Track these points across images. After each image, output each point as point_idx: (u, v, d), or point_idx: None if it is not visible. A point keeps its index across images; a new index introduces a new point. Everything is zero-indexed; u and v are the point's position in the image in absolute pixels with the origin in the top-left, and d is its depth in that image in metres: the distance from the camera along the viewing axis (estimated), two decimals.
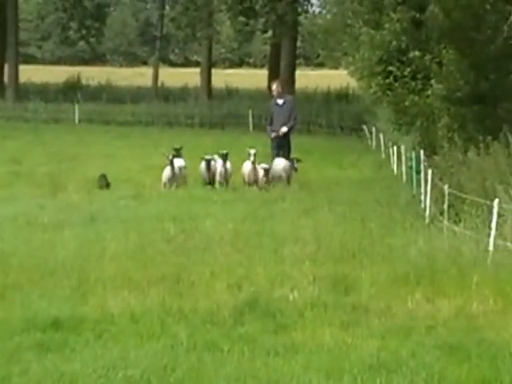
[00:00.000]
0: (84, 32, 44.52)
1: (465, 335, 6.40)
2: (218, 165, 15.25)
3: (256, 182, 14.97)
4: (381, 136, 21.52)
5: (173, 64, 78.64)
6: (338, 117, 29.36)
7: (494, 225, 9.04)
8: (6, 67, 38.33)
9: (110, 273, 8.07)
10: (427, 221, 11.14)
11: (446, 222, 10.47)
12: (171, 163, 15.10)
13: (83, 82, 42.33)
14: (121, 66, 77.88)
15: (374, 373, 5.66)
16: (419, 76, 15.26)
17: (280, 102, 16.04)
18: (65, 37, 50.08)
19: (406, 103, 15.12)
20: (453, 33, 14.19)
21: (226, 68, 74.54)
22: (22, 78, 39.84)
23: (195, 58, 69.11)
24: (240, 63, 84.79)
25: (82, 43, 52.55)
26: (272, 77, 29.48)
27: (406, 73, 15.33)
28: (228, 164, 15.19)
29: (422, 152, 13.55)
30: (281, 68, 33.90)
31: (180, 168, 15.32)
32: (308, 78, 43.37)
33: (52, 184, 15.23)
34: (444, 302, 7.29)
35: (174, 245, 9.47)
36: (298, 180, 15.39)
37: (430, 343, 6.23)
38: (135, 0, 75.25)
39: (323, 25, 28.68)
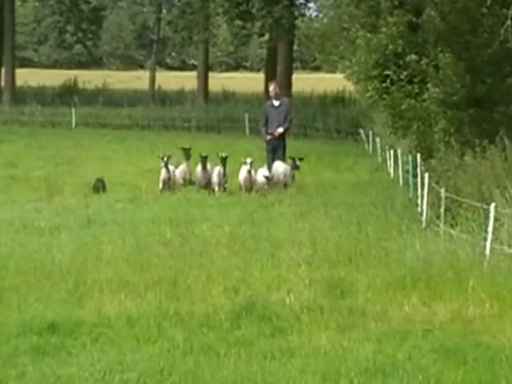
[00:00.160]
0: (81, 35, 44.53)
1: (461, 339, 6.41)
2: (215, 168, 15.24)
3: (251, 189, 14.95)
4: (377, 139, 21.55)
5: (169, 67, 78.75)
6: (334, 120, 29.39)
7: (490, 229, 9.04)
8: (3, 71, 38.31)
9: (107, 276, 8.06)
10: (424, 224, 11.15)
11: (442, 225, 10.48)
12: (166, 166, 15.13)
13: (80, 85, 42.37)
14: (117, 69, 77.94)
15: (371, 376, 5.67)
16: (416, 80, 15.29)
17: (276, 103, 16.05)
18: (61, 40, 50.07)
19: (403, 107, 15.15)
20: (449, 36, 14.23)
21: (222, 71, 74.67)
22: (19, 82, 39.87)
23: (192, 61, 69.22)
24: (237, 67, 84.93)
25: (78, 46, 52.62)
26: (268, 80, 29.50)
27: (402, 76, 15.36)
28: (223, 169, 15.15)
29: (418, 156, 13.56)
30: (277, 71, 33.91)
31: (183, 171, 15.36)
32: (305, 82, 43.38)
33: (49, 187, 15.23)
34: (440, 305, 7.30)
35: (170, 248, 9.47)
36: (295, 183, 15.40)
37: (426, 347, 6.23)
38: (132, 3, 75.25)
39: (320, 28, 28.76)
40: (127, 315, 6.89)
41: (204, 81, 38.64)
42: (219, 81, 43.27)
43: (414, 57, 15.10)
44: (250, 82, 46.05)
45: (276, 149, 15.81)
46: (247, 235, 10.34)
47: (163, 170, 15.19)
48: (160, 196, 14.90)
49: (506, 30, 11.93)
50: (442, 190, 10.89)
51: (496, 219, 9.19)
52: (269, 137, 15.87)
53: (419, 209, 12.14)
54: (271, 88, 16.32)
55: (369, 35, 15.64)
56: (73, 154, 22.29)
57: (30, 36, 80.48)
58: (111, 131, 30.34)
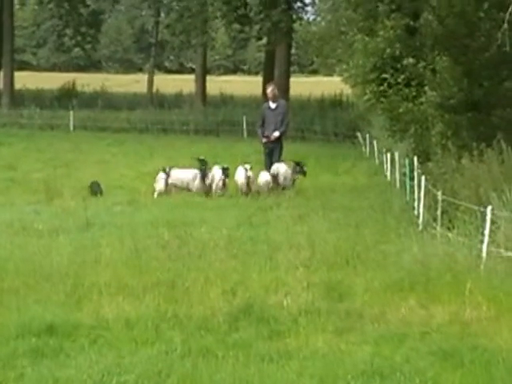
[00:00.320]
0: (79, 39, 44.56)
1: (458, 341, 6.43)
2: (216, 176, 15.13)
3: (248, 193, 14.92)
4: (375, 143, 21.59)
5: (168, 71, 78.79)
6: (332, 124, 29.44)
7: (487, 231, 9.07)
8: (2, 74, 38.38)
9: (105, 279, 8.07)
10: (421, 227, 11.17)
11: (439, 228, 10.51)
12: (167, 176, 15.16)
13: (78, 88, 42.41)
14: (116, 72, 78.00)
15: (368, 379, 5.69)
16: (413, 83, 15.31)
17: (273, 105, 16.07)
18: (60, 43, 50.11)
19: (400, 110, 15.16)
20: (447, 40, 14.25)
21: (220, 75, 74.69)
22: (18, 85, 39.93)
23: (190, 64, 69.26)
24: (235, 70, 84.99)
25: (77, 50, 52.58)
26: (266, 83, 29.55)
27: (399, 80, 15.38)
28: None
29: (415, 159, 13.59)
30: (275, 75, 33.97)
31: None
32: (302, 85, 43.48)
33: (47, 190, 15.26)
34: (438, 308, 7.31)
35: (168, 251, 9.48)
36: (294, 187, 15.42)
37: (423, 349, 6.26)
38: (130, 7, 75.31)
39: (318, 32, 28.82)
40: (125, 318, 6.91)
41: (202, 84, 38.69)
42: (217, 84, 43.32)
43: (411, 60, 15.13)
44: (248, 85, 46.08)
45: (272, 152, 15.84)
46: (245, 238, 10.36)
47: (162, 181, 15.18)
48: (158, 199, 14.92)
49: (503, 33, 11.95)
50: (439, 193, 10.92)
51: (493, 222, 9.22)
52: (265, 140, 15.90)
53: (416, 212, 12.17)
54: (269, 90, 16.31)
55: (366, 39, 15.66)
56: (71, 157, 22.34)
57: (29, 39, 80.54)
58: (110, 134, 30.39)
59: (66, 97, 38.26)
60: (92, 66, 77.00)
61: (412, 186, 13.05)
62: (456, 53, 14.11)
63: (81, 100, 36.42)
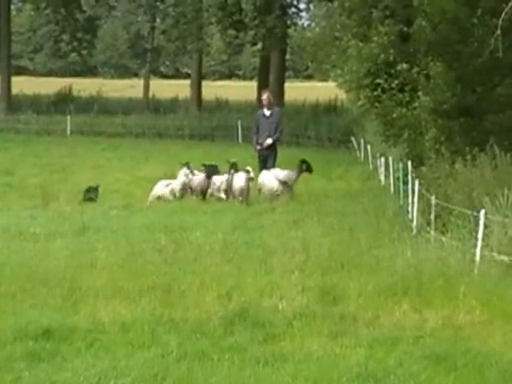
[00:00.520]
0: (76, 44, 44.61)
1: (451, 345, 6.46)
2: (218, 179, 15.08)
3: (245, 199, 14.92)
4: (369, 148, 21.67)
5: (163, 76, 78.79)
6: (326, 129, 29.52)
7: (480, 235, 9.13)
8: None
9: (101, 282, 8.11)
10: (414, 231, 11.22)
11: (433, 232, 10.55)
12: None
13: (75, 93, 42.49)
14: (112, 77, 77.96)
15: (362, 382, 5.73)
16: (407, 88, 15.37)
17: (267, 113, 16.14)
18: (57, 49, 50.16)
19: (394, 115, 15.22)
20: (440, 46, 14.32)
21: (215, 80, 74.74)
22: (15, 90, 40.01)
23: (185, 70, 69.24)
24: (230, 75, 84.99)
25: (73, 55, 52.61)
26: (261, 89, 29.67)
27: (393, 85, 15.44)
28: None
29: (409, 163, 13.66)
30: (270, 80, 34.08)
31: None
32: (297, 91, 43.56)
33: (44, 195, 15.31)
34: (431, 312, 7.35)
35: (164, 255, 9.52)
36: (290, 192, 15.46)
37: (417, 353, 6.29)
38: (126, 13, 75.31)
39: (312, 38, 28.93)
40: (121, 321, 6.94)
41: (197, 89, 38.76)
42: (212, 89, 43.38)
43: (405, 66, 15.19)
44: (242, 90, 46.16)
45: (266, 158, 15.90)
46: (240, 242, 10.39)
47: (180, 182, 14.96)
48: (154, 203, 14.96)
49: (495, 39, 12.01)
50: (433, 198, 10.98)
51: (486, 226, 9.28)
52: (258, 147, 15.99)
53: (410, 216, 12.22)
54: (265, 97, 16.37)
55: (360, 44, 15.72)
56: (68, 162, 22.40)
57: (26, 45, 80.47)
58: (105, 139, 30.44)
59: (63, 102, 38.34)
60: (88, 71, 76.97)
61: (406, 191, 13.11)
62: (449, 58, 14.18)
63: (77, 105, 36.45)
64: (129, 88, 51.90)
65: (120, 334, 6.69)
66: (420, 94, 14.67)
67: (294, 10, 35.31)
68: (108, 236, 10.88)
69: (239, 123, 30.37)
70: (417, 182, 11.82)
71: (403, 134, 15.22)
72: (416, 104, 14.78)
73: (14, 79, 40.84)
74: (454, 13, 13.84)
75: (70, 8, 42.10)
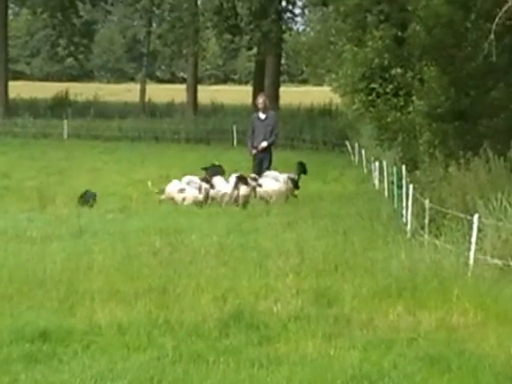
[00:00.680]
0: (72, 49, 44.66)
1: (445, 347, 6.48)
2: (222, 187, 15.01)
3: (236, 201, 14.89)
4: (363, 151, 21.74)
5: (159, 80, 78.81)
6: (321, 132, 29.59)
7: (474, 239, 9.18)
8: None
9: (98, 285, 8.13)
10: (408, 235, 11.27)
11: (426, 236, 10.59)
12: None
13: (71, 97, 42.56)
14: (108, 82, 77.92)
15: (357, 383, 5.78)
16: (401, 93, 15.41)
17: (262, 116, 16.20)
18: (53, 53, 50.28)
19: (388, 119, 15.26)
20: (434, 50, 14.37)
21: (211, 84, 74.76)
22: (12, 94, 40.10)
23: (181, 74, 69.28)
24: (225, 80, 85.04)
25: (70, 60, 52.70)
26: (256, 93, 29.76)
27: (388, 89, 15.48)
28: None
29: (403, 167, 13.72)
30: (265, 84, 34.15)
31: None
32: (292, 95, 43.64)
33: (41, 198, 15.33)
34: (425, 314, 7.37)
35: (160, 257, 9.55)
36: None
37: (411, 355, 6.31)
38: (123, 17, 75.34)
39: (307, 42, 29.02)
40: (118, 323, 6.95)
41: (193, 93, 38.82)
42: (208, 93, 43.44)
43: (399, 70, 15.23)
44: (238, 94, 46.21)
45: (262, 161, 15.97)
46: (235, 245, 10.42)
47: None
48: (150, 206, 15.00)
49: (489, 43, 12.05)
50: (427, 201, 11.03)
51: (479, 230, 9.33)
52: (254, 151, 16.06)
53: (404, 219, 12.27)
54: (260, 100, 16.44)
55: (355, 49, 15.77)
56: (64, 165, 22.45)
57: (23, 49, 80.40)
58: (102, 143, 30.53)
59: (60, 106, 38.44)
60: (85, 75, 76.93)
61: (400, 194, 13.16)
62: (443, 63, 14.24)
63: (74, 109, 36.52)
64: (125, 92, 51.91)
65: (116, 337, 6.70)
66: (414, 98, 14.72)
67: (289, 14, 35.45)
68: (104, 239, 10.90)
69: (234, 127, 30.45)
70: (411, 186, 11.87)
71: (397, 137, 15.27)
72: (410, 108, 14.82)
73: (11, 83, 40.93)
74: (448, 17, 13.90)
75: (67, 12, 42.17)
